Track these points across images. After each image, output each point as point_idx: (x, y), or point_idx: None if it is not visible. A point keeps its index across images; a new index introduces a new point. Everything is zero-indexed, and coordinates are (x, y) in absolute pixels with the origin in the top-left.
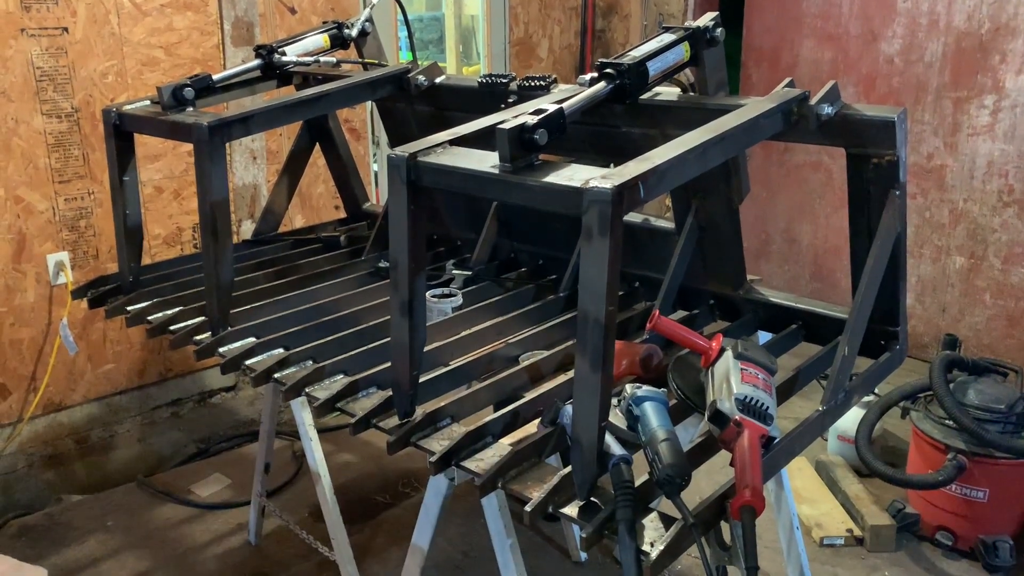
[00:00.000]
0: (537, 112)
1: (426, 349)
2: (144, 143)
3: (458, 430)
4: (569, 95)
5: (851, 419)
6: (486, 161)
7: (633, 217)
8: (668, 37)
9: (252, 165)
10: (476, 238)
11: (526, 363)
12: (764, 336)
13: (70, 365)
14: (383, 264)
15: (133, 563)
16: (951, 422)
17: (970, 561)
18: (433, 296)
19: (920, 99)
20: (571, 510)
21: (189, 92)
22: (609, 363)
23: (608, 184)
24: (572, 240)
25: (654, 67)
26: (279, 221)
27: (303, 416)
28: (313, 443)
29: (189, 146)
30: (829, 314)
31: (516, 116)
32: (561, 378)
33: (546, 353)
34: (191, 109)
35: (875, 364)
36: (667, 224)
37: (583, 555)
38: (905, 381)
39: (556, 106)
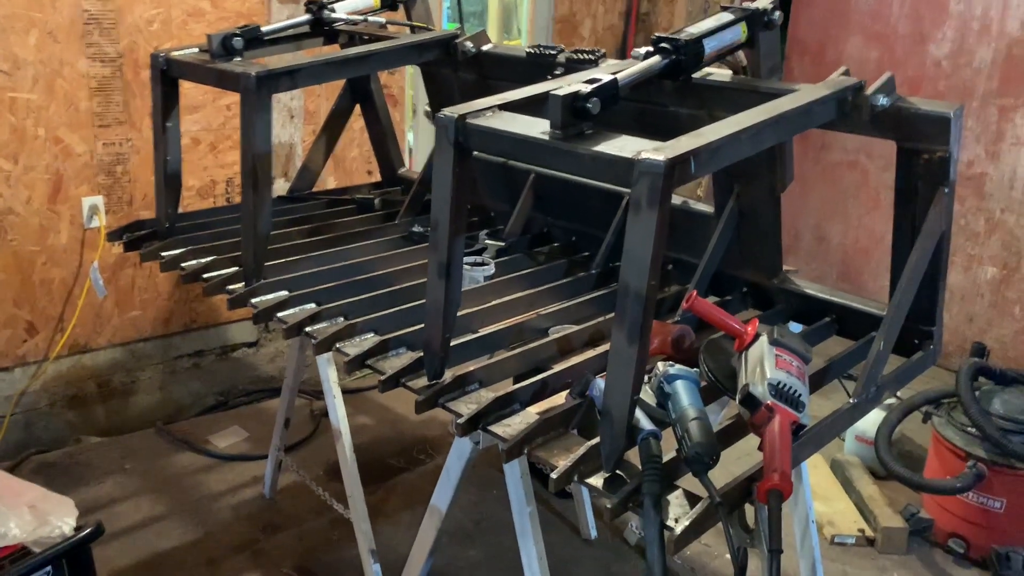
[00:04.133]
0: (591, 81)
1: (458, 314)
2: (184, 93)
3: (486, 395)
4: (621, 68)
5: (871, 420)
6: (535, 127)
7: (672, 199)
8: (726, 16)
9: (289, 124)
10: (510, 210)
11: (556, 336)
12: (795, 327)
13: (97, 308)
14: (417, 228)
15: (149, 507)
16: (973, 429)
17: (980, 570)
18: (466, 263)
19: (966, 104)
20: (596, 481)
21: (239, 42)
22: (646, 337)
23: (660, 156)
24: (607, 218)
25: (710, 45)
26: (315, 179)
27: (328, 373)
28: (336, 400)
29: (229, 99)
30: (864, 309)
31: (570, 84)
32: (590, 353)
33: (576, 327)
34: (239, 59)
35: (907, 362)
36: (706, 208)
37: (593, 532)
38: (927, 386)
39: (610, 76)
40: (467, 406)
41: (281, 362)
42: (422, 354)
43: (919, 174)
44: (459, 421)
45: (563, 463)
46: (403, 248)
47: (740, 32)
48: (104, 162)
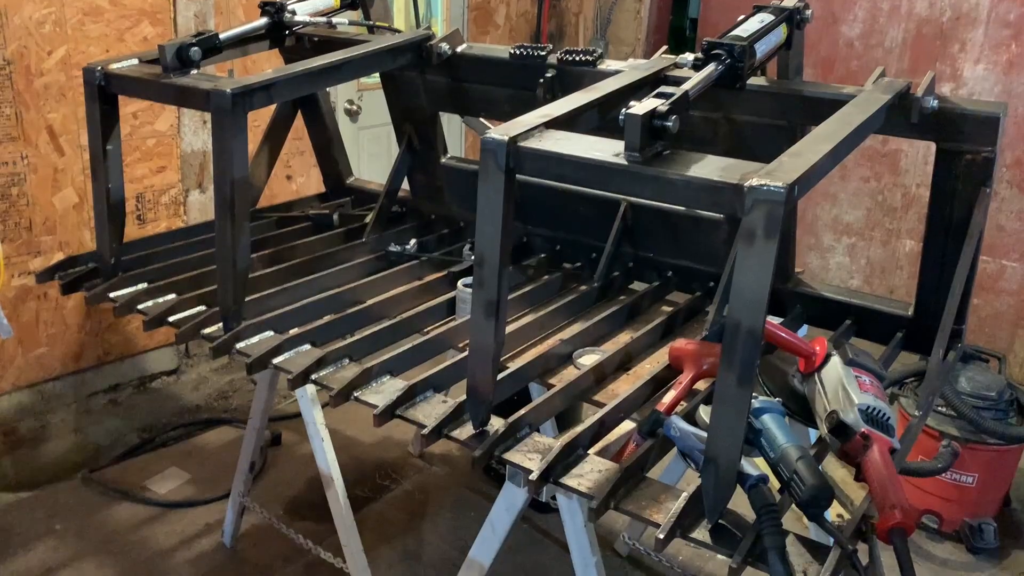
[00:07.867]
0: (662, 96)
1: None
2: (79, 102)
3: (542, 441)
4: (641, 74)
5: None
6: (602, 149)
7: None
8: (767, 17)
9: (202, 130)
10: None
11: (591, 364)
12: (802, 332)
13: None
14: (394, 247)
15: (93, 572)
16: (944, 408)
17: (954, 543)
18: (466, 285)
19: None
20: (701, 535)
21: (196, 52)
22: (753, 378)
23: (779, 182)
24: (594, 224)
25: (760, 49)
26: (258, 195)
27: (314, 415)
28: (325, 443)
29: (135, 106)
30: (885, 310)
31: (641, 100)
32: (624, 378)
33: (598, 350)
34: (195, 72)
35: (947, 363)
36: (712, 213)
37: None
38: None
39: (680, 90)
40: (528, 457)
41: (206, 389)
42: (447, 398)
43: (959, 175)
44: (531, 477)
45: (664, 519)
46: (384, 271)
47: (782, 33)
48: None
